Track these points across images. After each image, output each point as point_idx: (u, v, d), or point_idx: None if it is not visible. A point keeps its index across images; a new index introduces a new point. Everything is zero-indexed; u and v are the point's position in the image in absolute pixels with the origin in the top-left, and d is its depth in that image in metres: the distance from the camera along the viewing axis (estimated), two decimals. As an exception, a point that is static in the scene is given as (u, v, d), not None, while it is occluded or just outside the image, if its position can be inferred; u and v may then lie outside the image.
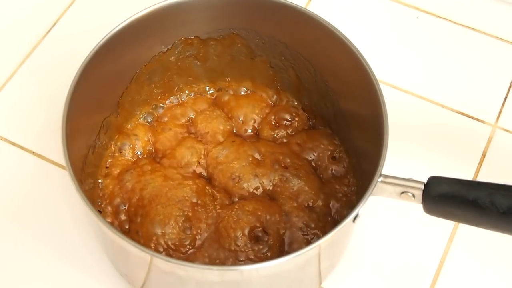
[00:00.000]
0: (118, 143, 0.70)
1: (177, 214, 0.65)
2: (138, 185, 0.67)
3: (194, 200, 0.66)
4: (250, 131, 0.72)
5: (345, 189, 0.68)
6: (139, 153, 0.70)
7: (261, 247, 0.64)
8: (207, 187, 0.68)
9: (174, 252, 0.64)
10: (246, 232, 0.65)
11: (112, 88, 0.68)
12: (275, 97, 0.73)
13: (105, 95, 0.68)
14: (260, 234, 0.65)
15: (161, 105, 0.73)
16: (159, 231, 0.64)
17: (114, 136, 0.70)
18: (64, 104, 0.60)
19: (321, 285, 0.68)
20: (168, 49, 0.70)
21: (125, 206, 0.67)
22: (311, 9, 0.83)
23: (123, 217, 0.67)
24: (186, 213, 0.65)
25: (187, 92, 0.74)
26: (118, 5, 0.81)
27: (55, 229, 0.71)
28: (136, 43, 0.67)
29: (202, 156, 0.69)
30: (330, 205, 0.67)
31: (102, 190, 0.68)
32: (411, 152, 0.74)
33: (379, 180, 0.57)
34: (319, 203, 0.67)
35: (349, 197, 0.68)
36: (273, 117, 0.72)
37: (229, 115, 0.72)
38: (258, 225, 0.65)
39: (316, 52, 0.68)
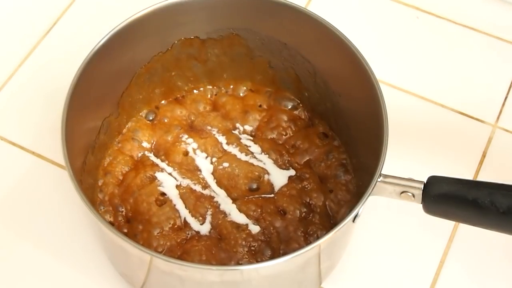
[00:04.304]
0: (118, 143, 0.70)
1: (174, 212, 0.66)
2: (137, 184, 0.67)
3: (193, 199, 0.66)
4: (249, 131, 0.72)
5: (345, 188, 0.68)
6: (139, 153, 0.70)
7: (259, 244, 0.64)
8: (206, 187, 0.68)
9: (174, 248, 0.64)
10: (245, 229, 0.65)
11: (112, 88, 0.68)
12: (274, 97, 0.73)
13: (105, 95, 0.68)
14: (257, 231, 0.65)
15: (161, 105, 0.73)
16: (156, 231, 0.65)
17: (114, 136, 0.70)
18: (64, 104, 0.60)
19: (321, 285, 0.68)
20: (168, 49, 0.70)
21: (123, 207, 0.67)
22: (311, 9, 0.83)
23: (122, 217, 0.67)
24: (183, 211, 0.66)
25: (187, 92, 0.74)
26: (118, 5, 0.81)
27: (55, 229, 0.71)
28: (136, 43, 0.67)
29: (201, 156, 0.69)
30: (330, 204, 0.67)
31: (102, 190, 0.68)
32: (411, 152, 0.74)
33: (379, 180, 0.57)
34: (319, 202, 0.67)
35: (349, 196, 0.68)
36: (272, 117, 0.72)
37: (228, 115, 0.72)
38: (256, 223, 0.65)
39: (316, 52, 0.68)
